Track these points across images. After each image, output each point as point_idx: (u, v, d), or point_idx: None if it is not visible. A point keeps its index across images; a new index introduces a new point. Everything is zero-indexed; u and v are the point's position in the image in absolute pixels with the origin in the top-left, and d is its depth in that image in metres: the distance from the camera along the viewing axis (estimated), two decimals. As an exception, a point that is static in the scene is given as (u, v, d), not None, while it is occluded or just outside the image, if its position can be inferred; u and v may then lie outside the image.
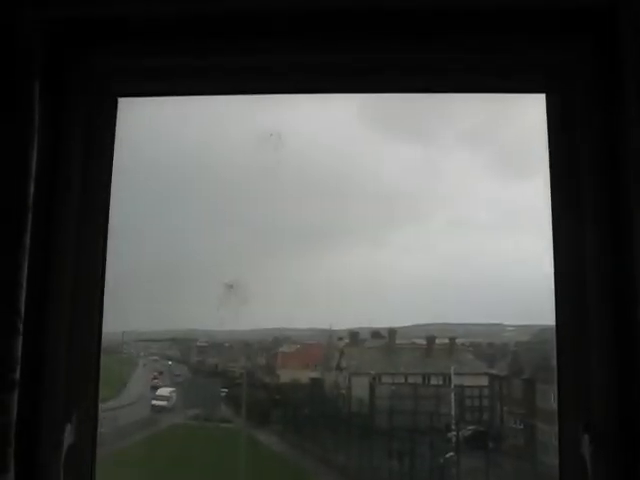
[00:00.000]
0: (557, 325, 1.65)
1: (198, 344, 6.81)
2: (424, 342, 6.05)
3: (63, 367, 1.62)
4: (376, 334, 6.15)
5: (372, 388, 5.94)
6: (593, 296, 1.59)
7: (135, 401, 6.52)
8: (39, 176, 1.49)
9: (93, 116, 1.77)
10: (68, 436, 1.57)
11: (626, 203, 1.54)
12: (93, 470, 1.65)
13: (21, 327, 1.40)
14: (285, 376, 6.34)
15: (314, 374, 6.34)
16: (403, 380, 5.94)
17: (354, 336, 6.13)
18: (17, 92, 1.44)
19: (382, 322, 5.96)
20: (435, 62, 1.77)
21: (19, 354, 1.40)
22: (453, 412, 5.69)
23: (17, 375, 1.39)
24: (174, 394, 6.59)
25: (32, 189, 1.44)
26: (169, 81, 1.85)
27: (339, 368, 6.10)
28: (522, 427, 5.62)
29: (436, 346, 6.04)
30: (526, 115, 1.89)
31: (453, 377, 5.80)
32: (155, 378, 6.80)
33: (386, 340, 6.06)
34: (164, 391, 6.72)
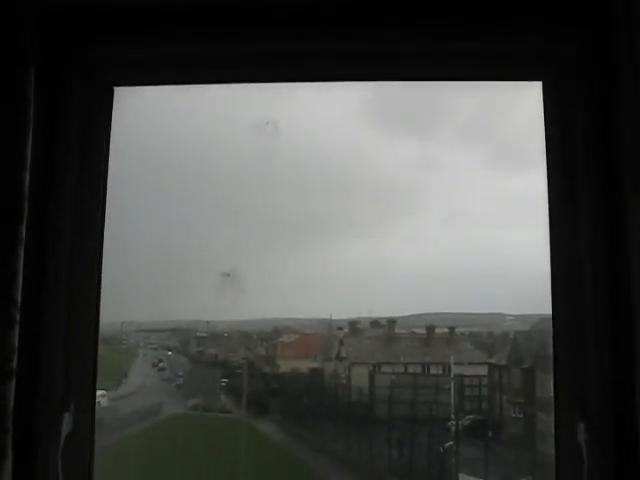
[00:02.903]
0: (553, 315, 1.66)
1: (198, 334, 6.83)
2: (424, 331, 6.07)
3: (60, 356, 1.62)
4: (375, 324, 6.17)
5: (372, 377, 5.97)
6: (589, 286, 1.59)
7: (136, 391, 6.54)
8: (35, 166, 1.49)
9: (89, 106, 1.76)
10: (66, 425, 1.58)
11: (622, 195, 1.54)
12: (92, 459, 1.65)
13: (18, 316, 1.40)
14: (285, 366, 6.36)
15: (314, 364, 6.36)
16: (403, 369, 5.96)
17: (354, 326, 6.14)
18: (11, 82, 1.43)
19: (382, 312, 5.97)
20: (434, 50, 1.76)
21: (16, 343, 1.40)
22: (452, 401, 5.71)
23: (14, 364, 1.39)
24: (103, 399, 5.51)
25: (27, 180, 1.44)
26: (166, 70, 1.85)
27: (339, 358, 6.12)
28: (521, 416, 5.64)
29: (436, 335, 6.06)
30: (525, 110, 1.89)
31: (453, 366, 5.82)
32: (157, 364, 6.78)
33: (385, 329, 6.08)
34: None
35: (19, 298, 1.41)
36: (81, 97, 1.74)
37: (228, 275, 3.56)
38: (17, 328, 1.40)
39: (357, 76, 1.88)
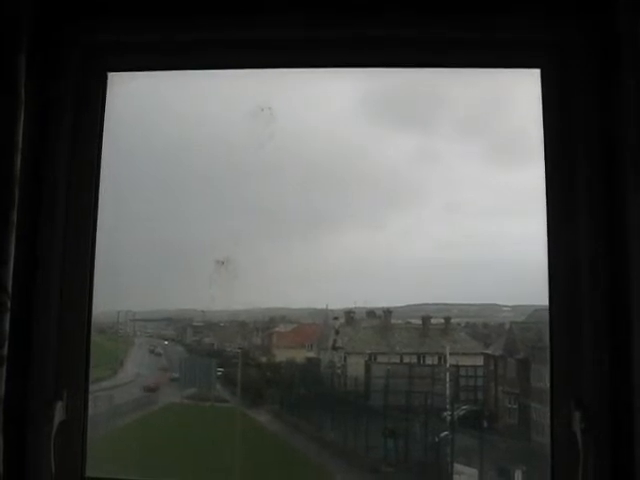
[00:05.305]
0: (550, 306, 1.66)
1: (194, 324, 6.82)
2: (419, 322, 6.06)
3: (53, 345, 1.61)
4: (372, 314, 6.16)
5: (368, 367, 5.96)
6: (585, 277, 1.59)
7: (132, 380, 6.54)
8: (27, 151, 1.48)
9: (83, 91, 1.75)
10: (59, 413, 1.57)
11: (621, 187, 1.54)
12: (84, 447, 1.65)
13: (9, 303, 1.39)
14: (281, 355, 6.35)
15: (310, 353, 6.36)
16: (398, 360, 5.96)
17: (350, 316, 6.13)
18: (2, 66, 1.42)
19: (378, 302, 5.97)
20: (434, 37, 1.75)
21: (7, 330, 1.39)
22: (448, 392, 5.72)
23: (5, 351, 1.38)
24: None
25: (19, 164, 1.43)
26: (160, 56, 1.83)
27: (335, 348, 6.11)
28: (516, 406, 5.65)
29: (431, 326, 6.05)
30: (526, 101, 1.88)
31: (448, 357, 5.82)
32: (153, 350, 6.78)
33: (382, 320, 6.07)
34: None
35: (10, 284, 1.40)
36: (75, 82, 1.73)
37: (223, 263, 3.55)
38: (8, 315, 1.39)
39: (356, 62, 1.87)
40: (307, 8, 1.69)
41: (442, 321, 6.02)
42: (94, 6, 1.72)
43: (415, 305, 6.01)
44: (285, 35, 1.77)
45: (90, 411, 1.69)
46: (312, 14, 1.71)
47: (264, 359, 6.33)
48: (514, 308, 5.96)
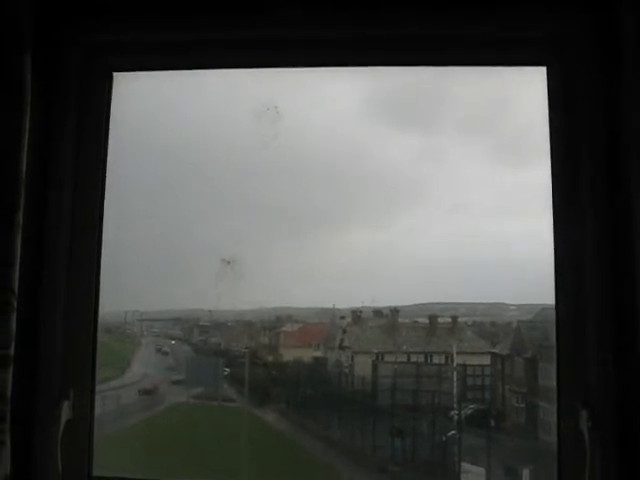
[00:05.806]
0: (557, 305, 1.66)
1: (201, 323, 6.83)
2: (427, 321, 6.05)
3: (59, 345, 1.62)
4: (379, 313, 6.15)
5: (375, 367, 5.96)
6: (592, 276, 1.59)
7: (139, 380, 6.56)
8: (32, 152, 1.48)
9: (88, 91, 1.75)
10: (65, 412, 1.58)
11: (626, 186, 1.53)
12: (91, 446, 1.66)
13: (15, 303, 1.39)
14: (288, 355, 6.36)
15: (317, 353, 6.35)
16: (406, 359, 5.95)
17: (357, 315, 6.13)
18: (7, 66, 1.42)
19: (385, 301, 5.96)
20: (438, 35, 1.75)
21: (14, 330, 1.40)
22: (455, 391, 5.70)
23: (12, 351, 1.39)
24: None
25: (24, 165, 1.43)
26: (165, 56, 1.84)
27: (342, 347, 6.11)
28: (524, 405, 5.64)
29: (438, 325, 6.04)
30: (530, 101, 1.87)
31: (455, 356, 5.81)
32: (160, 349, 6.79)
33: (389, 319, 6.06)
34: None
35: (16, 285, 1.40)
36: (80, 82, 1.73)
37: (229, 262, 3.55)
38: (14, 315, 1.40)
39: (360, 62, 1.86)
40: (306, 8, 1.70)
41: (449, 320, 6.01)
42: (94, 6, 1.72)
43: (422, 304, 6.00)
44: (285, 34, 1.77)
45: (98, 410, 1.70)
46: (311, 13, 1.71)
47: (271, 358, 6.33)
48: (521, 307, 5.94)
